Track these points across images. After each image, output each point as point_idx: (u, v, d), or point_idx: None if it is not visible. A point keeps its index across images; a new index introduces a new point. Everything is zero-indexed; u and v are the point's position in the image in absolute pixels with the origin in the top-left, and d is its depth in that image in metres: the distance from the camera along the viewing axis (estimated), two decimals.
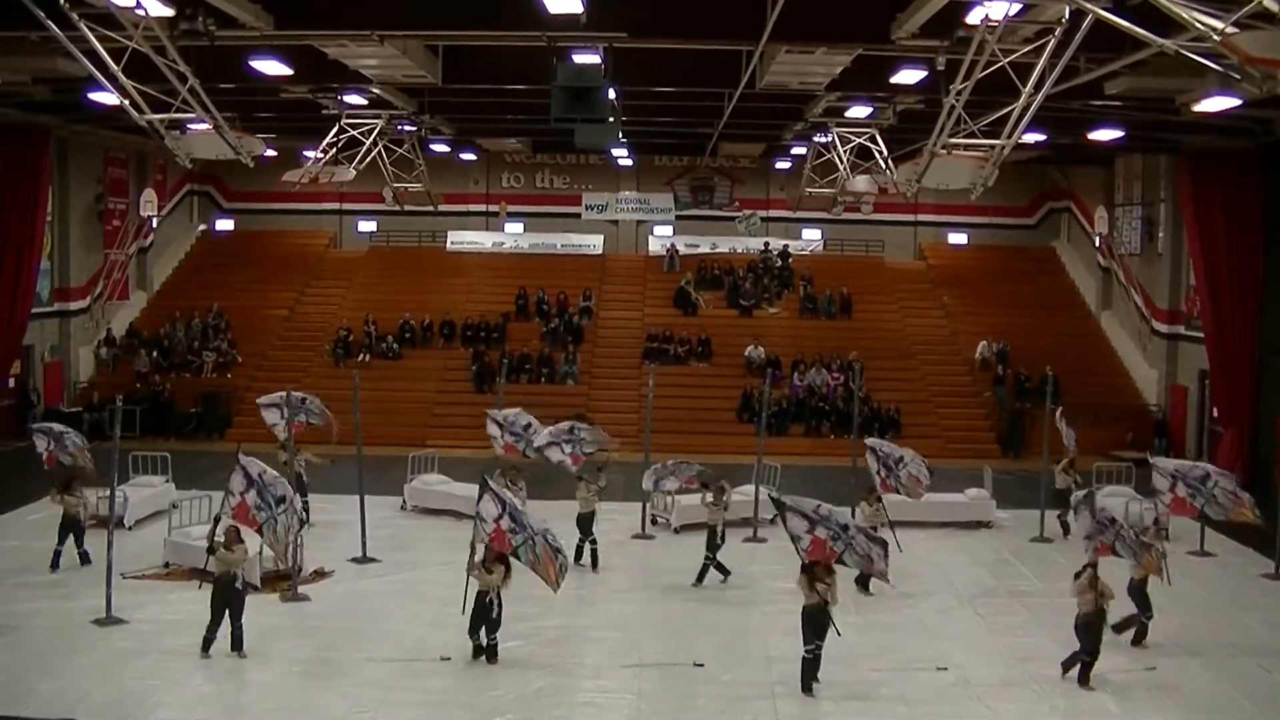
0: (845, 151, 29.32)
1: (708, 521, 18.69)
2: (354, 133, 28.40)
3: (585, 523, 19.39)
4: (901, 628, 16.03)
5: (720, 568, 18.47)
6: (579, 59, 17.38)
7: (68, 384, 33.10)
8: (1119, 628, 15.20)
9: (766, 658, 14.83)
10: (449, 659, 14.45)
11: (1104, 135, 26.03)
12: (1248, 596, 18.02)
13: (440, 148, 35.62)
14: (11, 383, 30.47)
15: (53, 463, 20.09)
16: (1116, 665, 14.45)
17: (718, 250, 40.19)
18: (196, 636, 15.31)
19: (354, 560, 19.11)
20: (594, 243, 40.86)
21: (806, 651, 13.57)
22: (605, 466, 20.59)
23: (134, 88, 18.09)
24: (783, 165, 39.57)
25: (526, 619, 16.27)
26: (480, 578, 14.29)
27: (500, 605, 14.38)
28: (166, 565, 18.57)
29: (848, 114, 25.82)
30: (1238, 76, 13.59)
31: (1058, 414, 22.83)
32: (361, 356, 34.20)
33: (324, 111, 26.28)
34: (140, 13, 15.25)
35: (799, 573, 13.79)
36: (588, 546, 19.36)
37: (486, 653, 14.46)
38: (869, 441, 20.93)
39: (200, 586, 15.79)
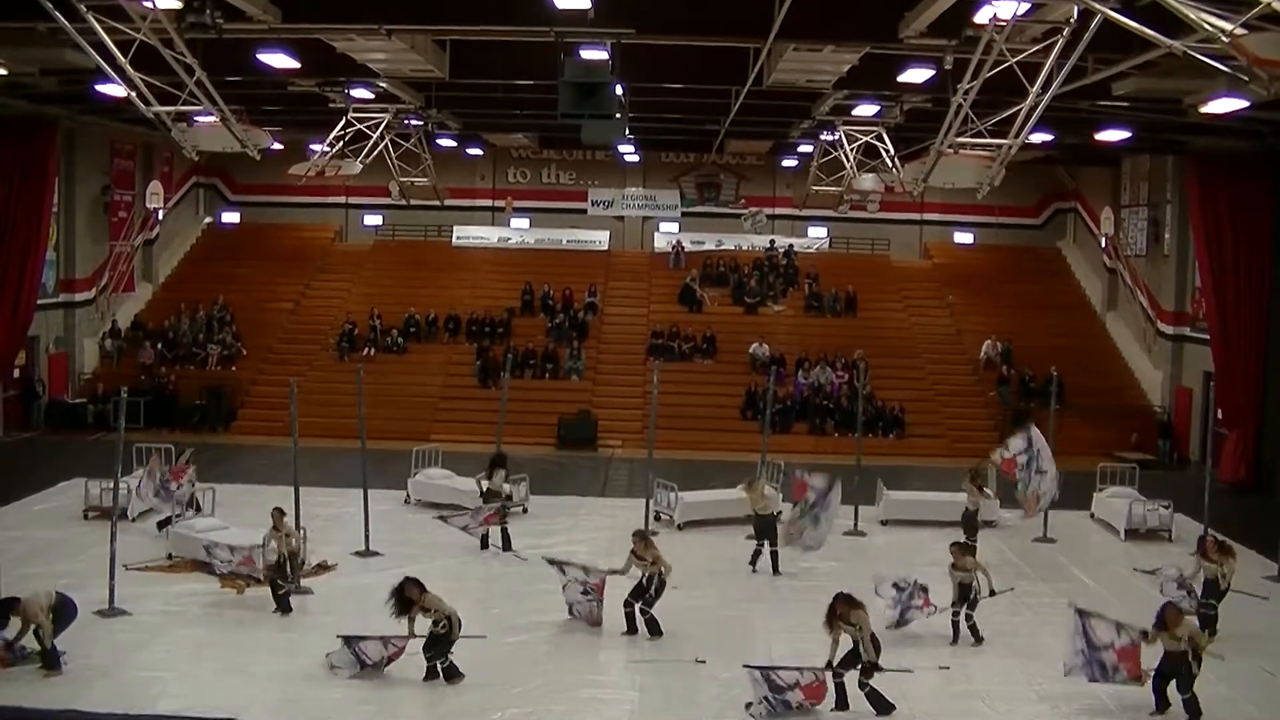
0: (852, 150, 29.29)
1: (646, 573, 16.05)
2: (361, 127, 28.45)
3: (766, 527, 19.08)
4: (907, 629, 16.01)
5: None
6: (586, 54, 17.35)
7: (72, 375, 33.15)
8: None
9: (769, 656, 14.80)
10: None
11: (1111, 136, 25.98)
12: (1251, 599, 17.95)
13: (447, 142, 35.60)
14: (16, 374, 30.51)
15: None
16: None
17: (723, 247, 40.21)
18: (199, 629, 15.41)
19: (357, 554, 19.13)
20: (600, 239, 40.89)
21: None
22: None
23: (141, 80, 18.10)
24: (789, 163, 39.52)
25: (529, 615, 16.33)
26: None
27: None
28: (169, 557, 18.63)
29: (855, 112, 25.79)
30: (1246, 78, 13.62)
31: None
32: (366, 350, 34.22)
33: (331, 105, 26.30)
34: (148, 5, 15.26)
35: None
36: (766, 549, 19.00)
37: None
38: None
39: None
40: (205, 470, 22.37)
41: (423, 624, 13.75)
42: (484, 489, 20.55)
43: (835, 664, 13.20)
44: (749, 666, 13.27)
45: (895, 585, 16.10)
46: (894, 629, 15.64)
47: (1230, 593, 16.17)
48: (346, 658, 13.92)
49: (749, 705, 13.12)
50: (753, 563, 19.16)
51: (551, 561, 16.63)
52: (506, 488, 21.03)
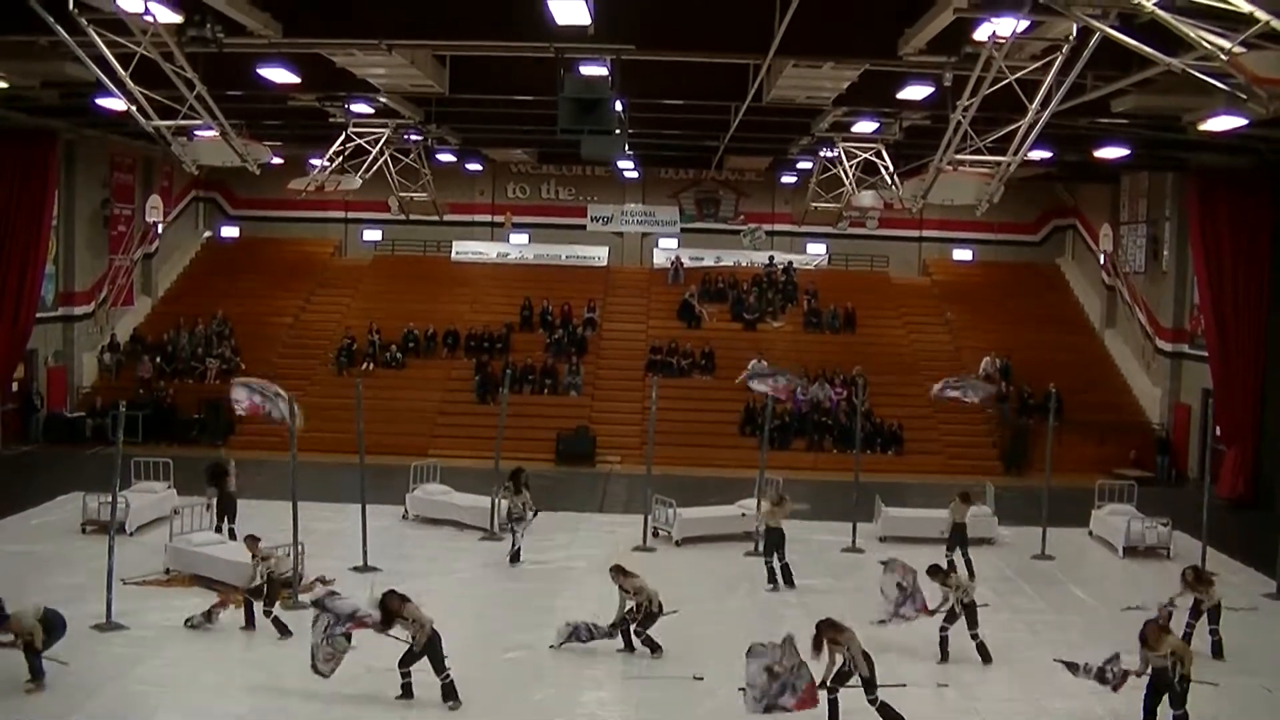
0: (851, 166, 29.34)
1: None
2: (360, 141, 28.48)
3: (775, 540, 18.99)
4: (903, 645, 15.97)
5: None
6: (586, 70, 17.38)
7: (71, 389, 33.12)
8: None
9: None
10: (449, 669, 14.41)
11: (1110, 153, 26.03)
12: (1250, 616, 17.92)
13: (446, 157, 35.67)
14: (15, 386, 30.48)
15: (256, 411, 18.40)
16: None
17: (722, 263, 40.24)
18: (196, 643, 15.37)
19: (355, 569, 19.07)
20: (599, 254, 40.93)
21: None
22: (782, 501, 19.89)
23: (142, 94, 18.11)
24: (788, 179, 39.58)
25: (527, 630, 16.29)
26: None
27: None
28: (167, 571, 18.59)
29: (854, 129, 25.79)
30: (1244, 96, 13.62)
31: None
32: (365, 365, 34.22)
33: (331, 120, 26.32)
34: (149, 19, 15.27)
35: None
36: (777, 564, 18.94)
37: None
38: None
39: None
40: (202, 484, 22.30)
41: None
42: (510, 510, 20.55)
43: (829, 681, 13.15)
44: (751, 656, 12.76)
45: (899, 585, 16.03)
46: (880, 625, 15.58)
47: (1224, 611, 16.16)
48: (326, 617, 13.52)
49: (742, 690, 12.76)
50: (771, 581, 19.00)
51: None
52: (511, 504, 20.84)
